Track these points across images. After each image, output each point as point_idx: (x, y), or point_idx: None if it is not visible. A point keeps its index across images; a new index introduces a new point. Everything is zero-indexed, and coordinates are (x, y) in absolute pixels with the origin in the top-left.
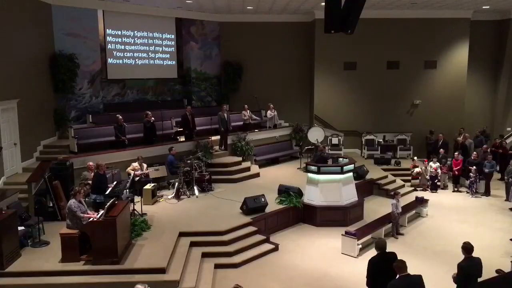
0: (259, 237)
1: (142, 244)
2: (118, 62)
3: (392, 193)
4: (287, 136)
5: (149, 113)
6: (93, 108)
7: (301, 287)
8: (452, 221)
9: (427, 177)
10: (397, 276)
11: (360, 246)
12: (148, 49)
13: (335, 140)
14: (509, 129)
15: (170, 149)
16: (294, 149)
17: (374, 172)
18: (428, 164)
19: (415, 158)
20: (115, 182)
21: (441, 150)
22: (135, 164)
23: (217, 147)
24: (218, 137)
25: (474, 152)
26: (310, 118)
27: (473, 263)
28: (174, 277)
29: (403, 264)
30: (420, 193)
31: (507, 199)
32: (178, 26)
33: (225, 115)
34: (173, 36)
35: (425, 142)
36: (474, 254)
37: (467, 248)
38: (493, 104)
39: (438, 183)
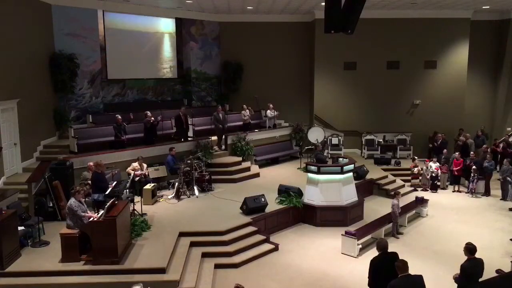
0: (259, 237)
1: (142, 244)
2: (118, 62)
3: (393, 193)
4: (287, 136)
5: (149, 113)
6: (93, 108)
7: (301, 287)
8: (452, 221)
9: (428, 177)
10: (398, 276)
11: (360, 246)
12: (148, 48)
13: (335, 140)
14: (509, 129)
15: (170, 149)
16: (294, 149)
17: (374, 172)
18: (428, 164)
19: (416, 158)
20: (115, 182)
21: (445, 150)
22: (135, 164)
23: (217, 147)
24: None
25: (472, 152)
26: (310, 118)
27: (476, 264)
28: (174, 277)
29: (404, 264)
30: (420, 193)
31: (502, 198)
32: (178, 26)
33: (220, 115)
34: (173, 36)
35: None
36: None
37: (470, 249)
38: (493, 104)
39: (438, 183)
